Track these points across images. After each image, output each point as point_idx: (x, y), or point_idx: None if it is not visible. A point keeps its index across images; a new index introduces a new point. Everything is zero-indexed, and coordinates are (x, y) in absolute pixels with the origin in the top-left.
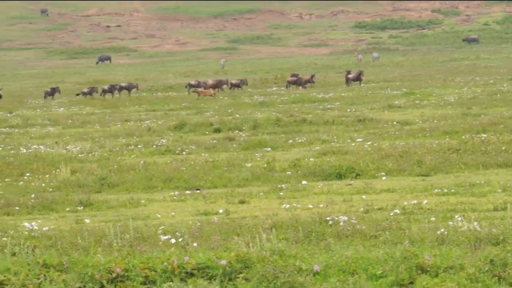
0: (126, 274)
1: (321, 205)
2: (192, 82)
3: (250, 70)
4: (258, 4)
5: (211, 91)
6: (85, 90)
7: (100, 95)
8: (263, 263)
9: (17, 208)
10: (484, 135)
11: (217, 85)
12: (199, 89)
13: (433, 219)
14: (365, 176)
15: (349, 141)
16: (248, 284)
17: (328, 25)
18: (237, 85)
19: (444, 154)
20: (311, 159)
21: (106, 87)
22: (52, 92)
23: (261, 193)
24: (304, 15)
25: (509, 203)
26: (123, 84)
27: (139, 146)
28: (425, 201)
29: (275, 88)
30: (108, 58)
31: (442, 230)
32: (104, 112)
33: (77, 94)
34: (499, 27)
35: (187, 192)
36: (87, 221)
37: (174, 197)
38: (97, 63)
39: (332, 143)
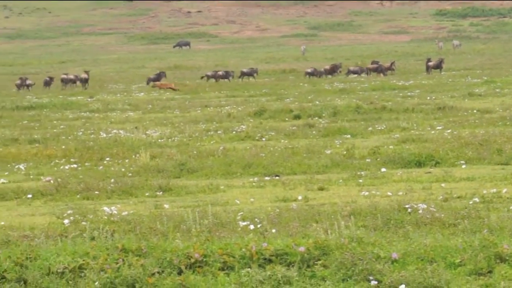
0: (204, 259)
1: (400, 193)
2: (309, 70)
3: (331, 57)
4: None
5: (173, 84)
6: (221, 73)
7: (216, 80)
8: (341, 250)
9: (96, 192)
10: None
11: (333, 70)
12: (158, 83)
13: None
14: (445, 164)
15: (429, 129)
16: (326, 271)
17: (409, 12)
18: (355, 72)
19: None
20: (390, 147)
21: (221, 72)
22: (157, 78)
23: (340, 180)
24: (385, 2)
25: None
26: (245, 70)
27: (218, 132)
28: (504, 190)
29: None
30: (187, 44)
31: None
32: (184, 98)
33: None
34: None
35: (266, 178)
36: (166, 206)
37: (253, 183)
38: (174, 47)
39: (412, 131)
